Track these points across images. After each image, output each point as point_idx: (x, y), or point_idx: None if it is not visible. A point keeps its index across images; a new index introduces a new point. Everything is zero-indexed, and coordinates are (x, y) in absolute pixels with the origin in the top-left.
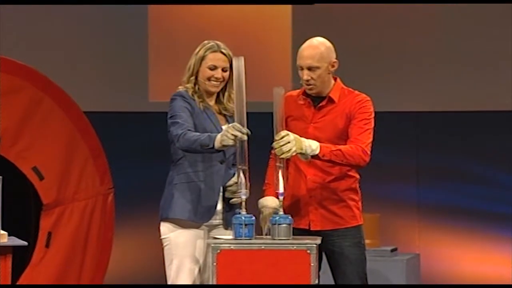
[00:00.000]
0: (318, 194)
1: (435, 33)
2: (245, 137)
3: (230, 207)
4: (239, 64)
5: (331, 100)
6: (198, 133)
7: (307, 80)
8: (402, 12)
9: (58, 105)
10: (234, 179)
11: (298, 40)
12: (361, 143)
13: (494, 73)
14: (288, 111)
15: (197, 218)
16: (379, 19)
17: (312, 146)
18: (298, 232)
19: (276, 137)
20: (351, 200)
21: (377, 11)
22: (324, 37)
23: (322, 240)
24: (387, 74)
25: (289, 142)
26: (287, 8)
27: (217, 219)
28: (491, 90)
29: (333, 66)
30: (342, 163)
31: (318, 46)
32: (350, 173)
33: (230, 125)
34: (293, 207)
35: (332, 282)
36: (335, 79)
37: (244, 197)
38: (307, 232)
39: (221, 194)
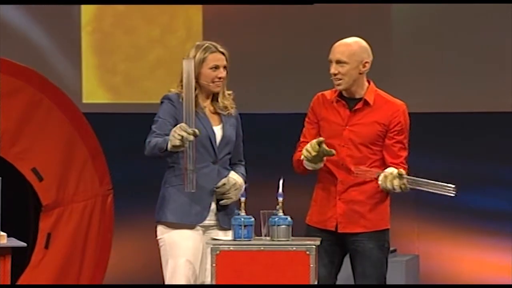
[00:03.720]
0: (348, 196)
1: (434, 33)
2: (191, 137)
3: (222, 208)
4: (189, 65)
5: (366, 103)
6: (160, 138)
7: (335, 74)
8: (401, 12)
9: (57, 106)
10: (223, 180)
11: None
12: (405, 165)
13: (495, 74)
14: (321, 112)
15: (189, 220)
16: (377, 19)
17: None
18: (323, 233)
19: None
20: (380, 203)
21: (377, 10)
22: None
23: (347, 241)
24: (386, 75)
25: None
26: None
27: (211, 220)
28: (491, 91)
29: (364, 66)
30: None
31: (351, 44)
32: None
33: (177, 126)
34: (321, 208)
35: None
36: (368, 82)
37: (243, 198)
38: (333, 234)
39: (214, 195)
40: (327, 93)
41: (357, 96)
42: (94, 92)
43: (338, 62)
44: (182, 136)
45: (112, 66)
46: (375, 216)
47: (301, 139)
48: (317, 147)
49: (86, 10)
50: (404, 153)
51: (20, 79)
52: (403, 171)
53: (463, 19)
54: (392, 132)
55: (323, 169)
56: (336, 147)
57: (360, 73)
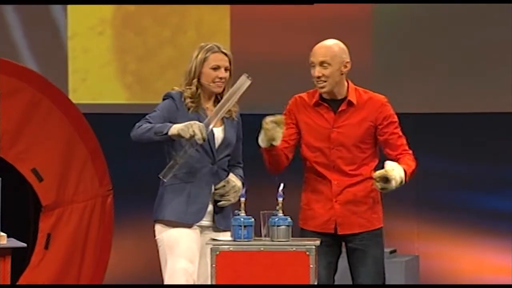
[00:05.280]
0: (344, 198)
1: (434, 34)
2: (201, 141)
3: (219, 209)
4: (244, 82)
5: (350, 104)
6: (156, 124)
7: (319, 77)
8: (401, 12)
9: (57, 106)
10: (223, 182)
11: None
12: (409, 151)
13: (494, 75)
14: (300, 116)
15: (186, 219)
16: (378, 19)
17: (401, 178)
18: (321, 236)
19: (382, 183)
20: (375, 202)
21: (378, 11)
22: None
23: (345, 241)
24: (386, 76)
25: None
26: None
27: (208, 220)
28: (491, 92)
29: (346, 66)
30: (410, 178)
31: (331, 46)
32: (373, 175)
33: (197, 123)
34: (317, 212)
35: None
36: (347, 81)
37: (242, 199)
38: (331, 235)
39: (211, 195)
40: (305, 96)
41: (339, 97)
42: (103, 93)
43: (322, 64)
44: (195, 134)
45: (123, 67)
46: (371, 215)
47: None
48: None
49: (95, 11)
50: (402, 140)
51: (20, 79)
52: (389, 174)
53: (464, 18)
54: (382, 127)
55: (312, 173)
56: (324, 150)
57: (342, 74)
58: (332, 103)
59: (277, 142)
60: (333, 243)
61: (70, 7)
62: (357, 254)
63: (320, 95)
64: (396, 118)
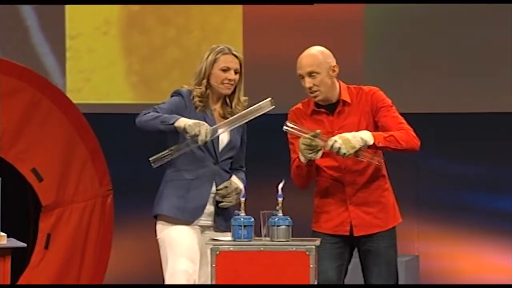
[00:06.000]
0: (358, 199)
1: (433, 34)
2: (201, 143)
3: (221, 210)
4: (265, 106)
5: (345, 103)
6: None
7: (310, 88)
8: (400, 12)
9: (57, 107)
10: (226, 183)
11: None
12: (404, 127)
13: (494, 75)
14: (303, 125)
15: (184, 216)
16: (377, 20)
17: (365, 137)
18: (335, 238)
19: (327, 148)
20: (388, 200)
21: (378, 11)
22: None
23: (359, 242)
24: (385, 75)
25: (340, 148)
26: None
27: (209, 220)
28: (491, 92)
29: (334, 70)
30: (396, 148)
31: (315, 54)
32: (383, 173)
33: (206, 125)
34: (331, 214)
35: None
36: (338, 82)
37: (242, 199)
38: (345, 237)
39: (212, 195)
40: (300, 106)
41: (334, 100)
42: (108, 93)
43: (310, 74)
44: (199, 134)
45: (127, 67)
46: (386, 214)
47: (293, 156)
48: (308, 140)
49: (100, 11)
50: (396, 120)
51: (20, 79)
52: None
53: (464, 18)
54: (377, 115)
55: (324, 176)
56: (333, 154)
57: (331, 78)
58: (329, 107)
59: (319, 155)
60: (345, 244)
61: (70, 8)
62: (370, 254)
63: (315, 102)
64: (387, 102)
